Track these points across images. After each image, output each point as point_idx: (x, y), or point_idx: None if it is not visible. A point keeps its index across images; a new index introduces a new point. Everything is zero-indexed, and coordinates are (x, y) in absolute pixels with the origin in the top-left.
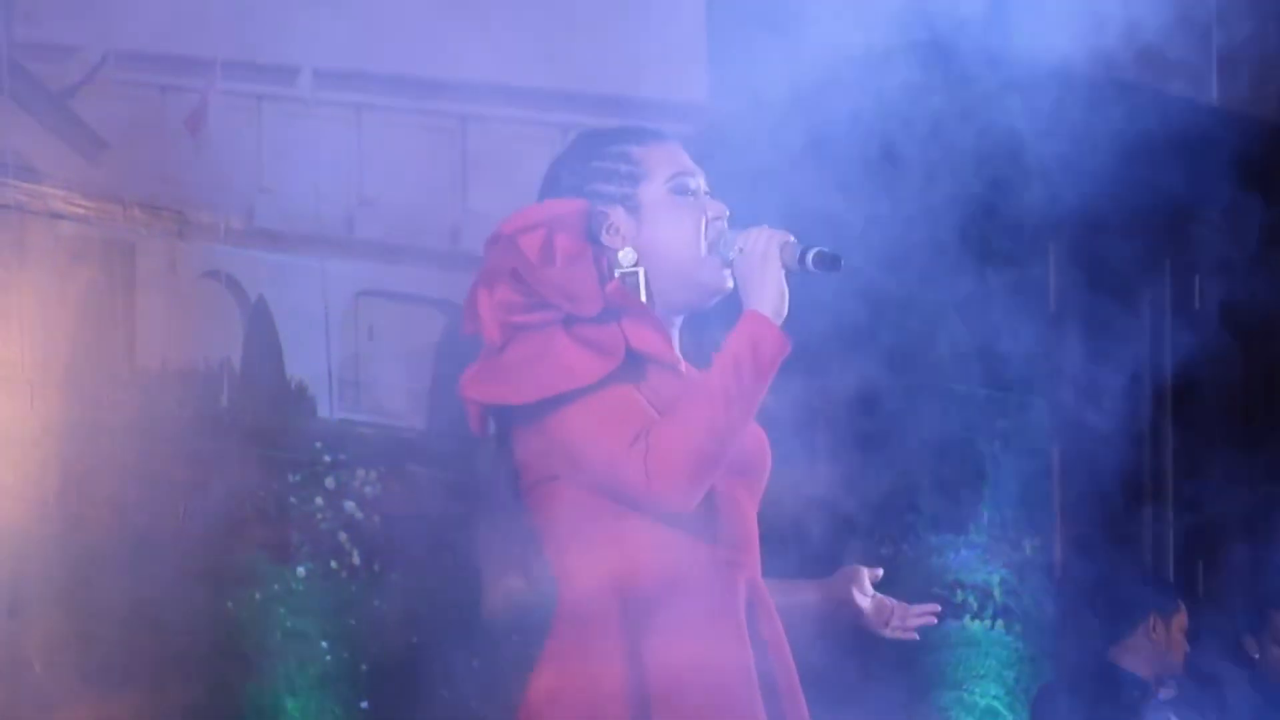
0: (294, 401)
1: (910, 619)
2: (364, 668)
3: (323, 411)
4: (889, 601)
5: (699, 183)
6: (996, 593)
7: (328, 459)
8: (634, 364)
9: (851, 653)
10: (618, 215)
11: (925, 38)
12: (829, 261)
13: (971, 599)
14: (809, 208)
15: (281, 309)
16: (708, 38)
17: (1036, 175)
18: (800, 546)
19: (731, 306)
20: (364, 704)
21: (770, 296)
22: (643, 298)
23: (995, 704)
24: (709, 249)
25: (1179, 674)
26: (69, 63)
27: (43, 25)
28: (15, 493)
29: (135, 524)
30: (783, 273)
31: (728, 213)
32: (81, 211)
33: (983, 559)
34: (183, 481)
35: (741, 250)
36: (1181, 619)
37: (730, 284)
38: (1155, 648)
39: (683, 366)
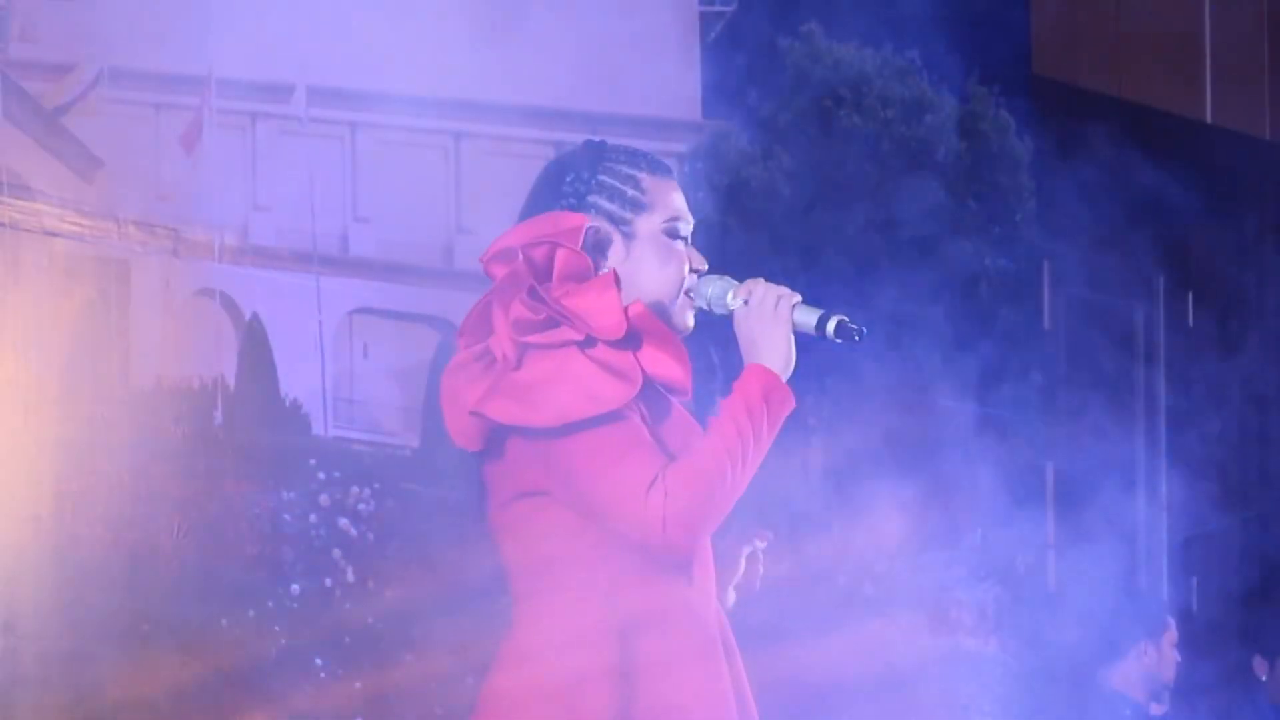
0: (288, 419)
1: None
2: (358, 685)
3: (317, 429)
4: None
5: (689, 230)
6: (990, 610)
7: (322, 476)
8: (645, 391)
9: (843, 670)
10: (611, 236)
11: (914, 52)
12: (850, 333)
13: (965, 616)
14: (800, 223)
15: (276, 326)
16: (701, 55)
17: (1030, 192)
18: (794, 562)
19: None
20: None
21: (780, 355)
22: None
23: None
24: (685, 293)
25: (1170, 687)
26: (63, 81)
27: (37, 43)
28: (9, 510)
29: (130, 541)
30: (792, 333)
31: (706, 267)
32: (76, 229)
33: (977, 577)
34: (177, 499)
35: (746, 302)
36: (1171, 635)
37: (691, 327)
38: (1146, 669)
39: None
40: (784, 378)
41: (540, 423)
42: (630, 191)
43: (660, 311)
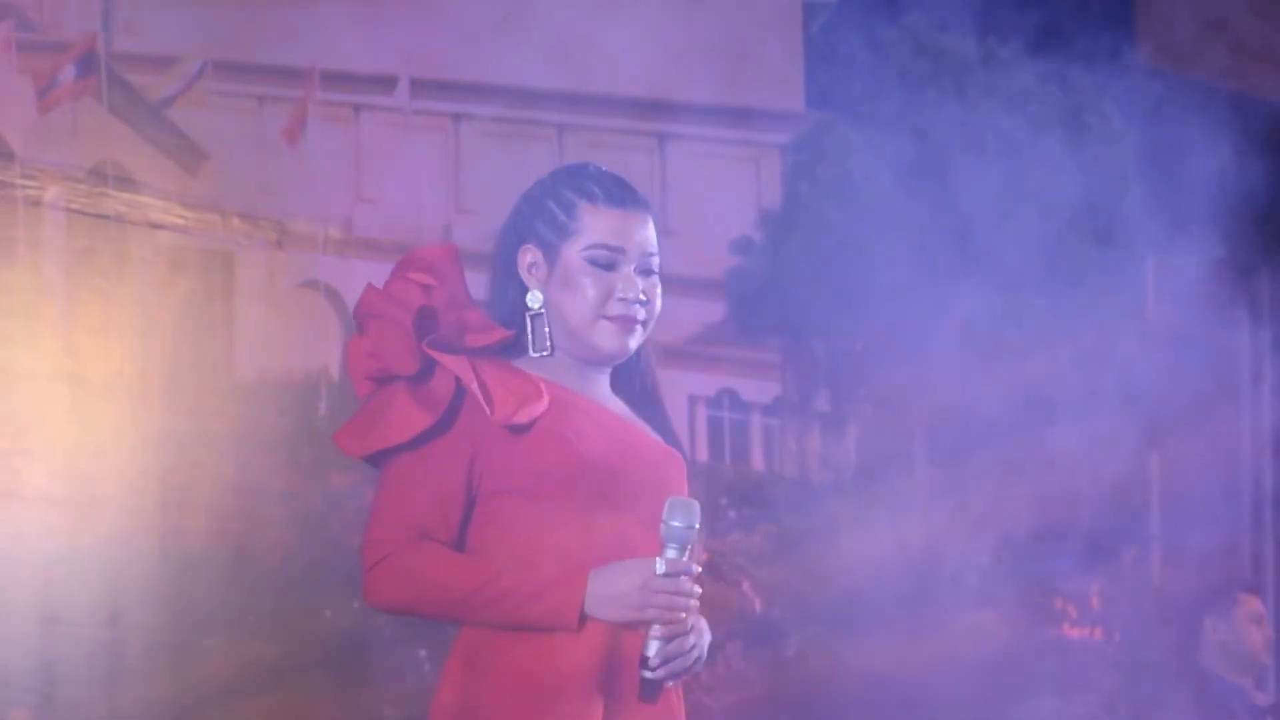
0: None
1: None
2: None
3: None
4: None
5: (632, 260)
6: (1095, 601)
7: None
8: (469, 414)
9: (947, 660)
10: (539, 258)
11: (1017, 43)
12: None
13: (1070, 607)
14: (903, 214)
15: None
16: (804, 47)
17: (1135, 183)
18: (900, 555)
19: None
20: None
21: (607, 611)
22: (546, 342)
23: (1094, 712)
24: (608, 318)
25: (1267, 665)
26: (167, 73)
27: (141, 36)
28: (115, 502)
29: (234, 533)
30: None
31: (640, 296)
32: (181, 222)
33: (1081, 567)
34: (281, 491)
35: (663, 560)
36: (1245, 609)
37: (621, 349)
38: (1225, 647)
39: (520, 416)
40: (591, 610)
41: (355, 453)
42: (562, 217)
43: (579, 333)
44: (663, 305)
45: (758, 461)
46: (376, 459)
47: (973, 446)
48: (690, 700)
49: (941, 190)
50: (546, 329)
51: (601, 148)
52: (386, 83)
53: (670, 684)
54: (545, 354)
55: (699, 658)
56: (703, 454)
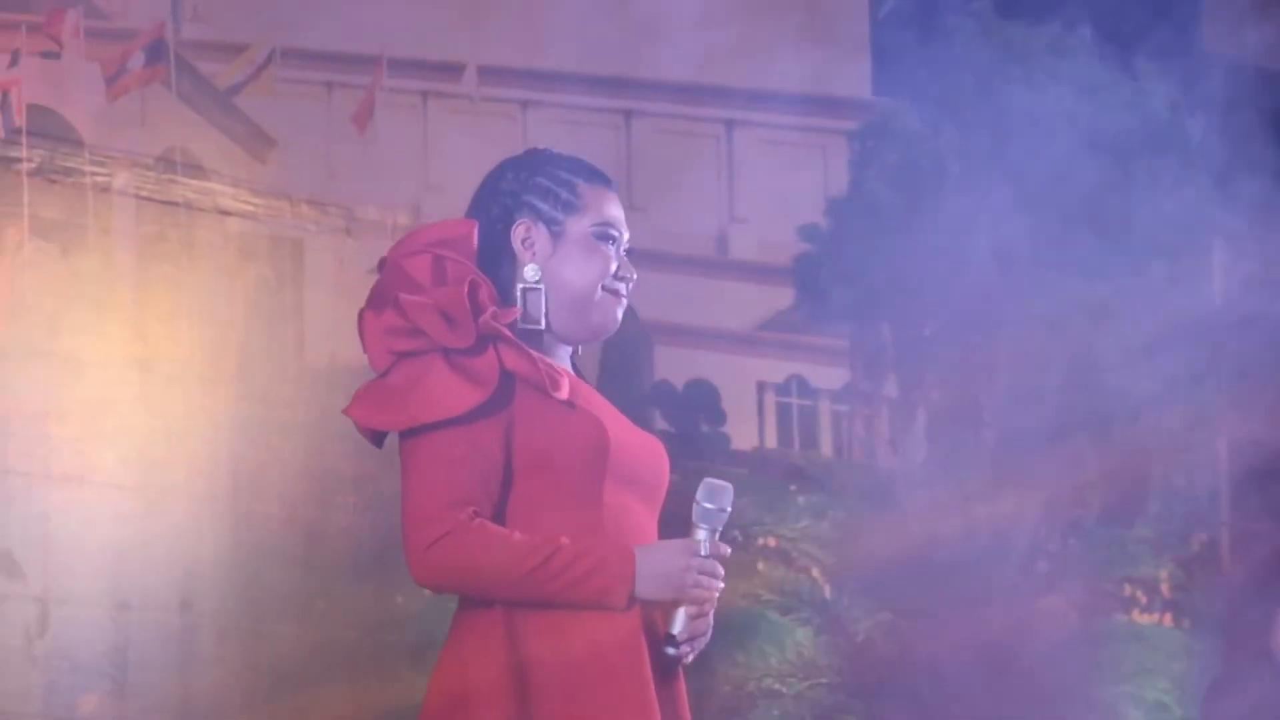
0: None
1: None
2: None
3: None
4: None
5: (622, 239)
6: (1164, 587)
7: None
8: (509, 391)
9: (1017, 644)
10: (539, 233)
11: (1084, 29)
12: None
13: (1139, 593)
14: (969, 201)
15: None
16: (871, 33)
17: (1201, 169)
18: (969, 540)
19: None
20: None
21: (654, 589)
22: (543, 316)
23: (1164, 698)
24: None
25: None
26: (236, 60)
27: (210, 24)
28: (187, 489)
29: (305, 519)
30: (667, 602)
31: (634, 276)
32: (249, 209)
33: (1150, 553)
34: (352, 476)
35: (703, 541)
36: None
37: (615, 321)
38: None
39: (564, 393)
40: (639, 590)
41: (388, 426)
42: (564, 194)
43: (582, 305)
44: (732, 292)
45: (826, 447)
46: (398, 433)
47: (1041, 432)
48: (760, 687)
49: (1009, 176)
50: (543, 303)
51: (668, 134)
52: (454, 70)
53: (687, 660)
54: (538, 328)
55: (709, 638)
56: (771, 440)
